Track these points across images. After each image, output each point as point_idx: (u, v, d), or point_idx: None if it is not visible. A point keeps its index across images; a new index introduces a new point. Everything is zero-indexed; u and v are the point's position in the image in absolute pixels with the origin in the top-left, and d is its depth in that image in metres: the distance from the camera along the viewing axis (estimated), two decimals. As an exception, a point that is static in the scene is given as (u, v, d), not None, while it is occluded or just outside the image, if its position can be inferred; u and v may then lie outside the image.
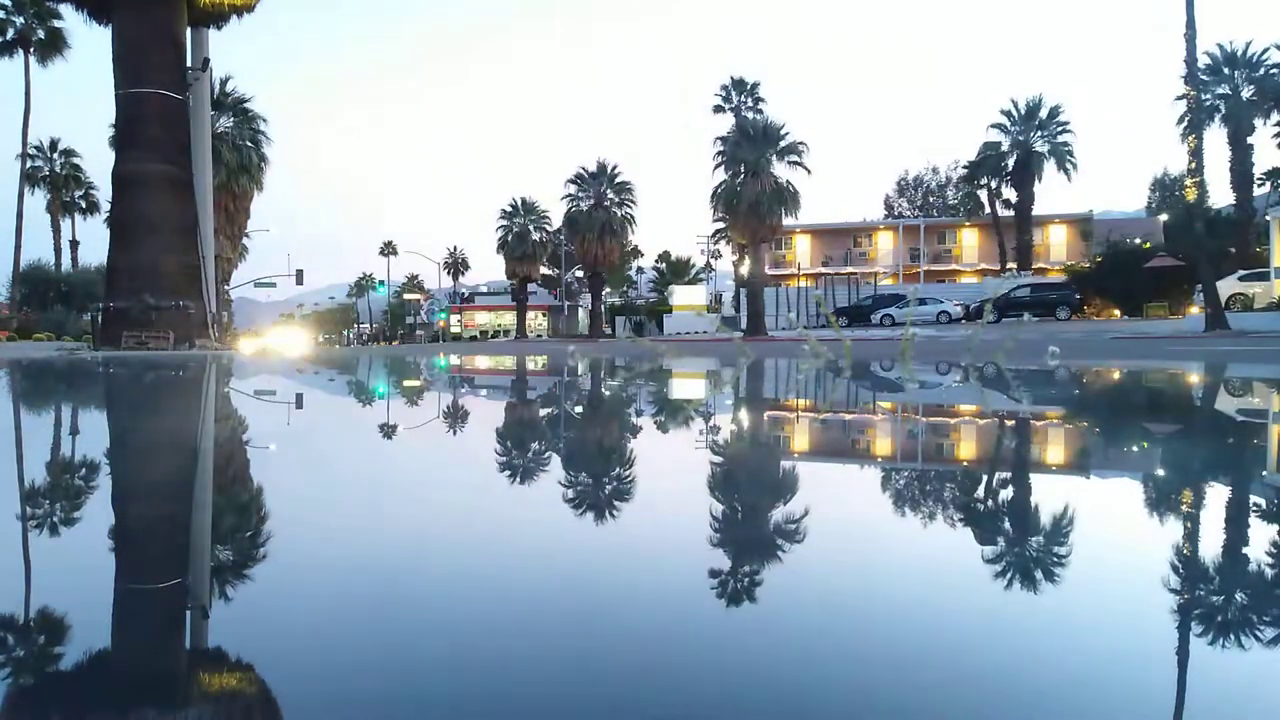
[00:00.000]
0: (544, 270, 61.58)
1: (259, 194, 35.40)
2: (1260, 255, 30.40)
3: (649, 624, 1.09)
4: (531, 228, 52.91)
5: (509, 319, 60.93)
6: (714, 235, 58.49)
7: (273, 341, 36.29)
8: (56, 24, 38.39)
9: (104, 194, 39.57)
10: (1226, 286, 25.96)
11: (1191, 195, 22.35)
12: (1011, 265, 42.25)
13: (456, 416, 4.68)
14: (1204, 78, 30.73)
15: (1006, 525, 1.74)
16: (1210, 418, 4.13)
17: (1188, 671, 0.94)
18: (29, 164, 43.76)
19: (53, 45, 38.78)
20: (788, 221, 38.99)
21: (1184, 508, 1.92)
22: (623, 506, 1.94)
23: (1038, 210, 43.58)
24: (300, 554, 1.50)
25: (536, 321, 64.59)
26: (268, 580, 1.32)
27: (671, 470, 2.55)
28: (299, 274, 57.80)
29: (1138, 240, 40.31)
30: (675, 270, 74.91)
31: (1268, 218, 28.68)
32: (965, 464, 2.71)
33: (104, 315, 24.74)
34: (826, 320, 10.36)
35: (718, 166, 37.85)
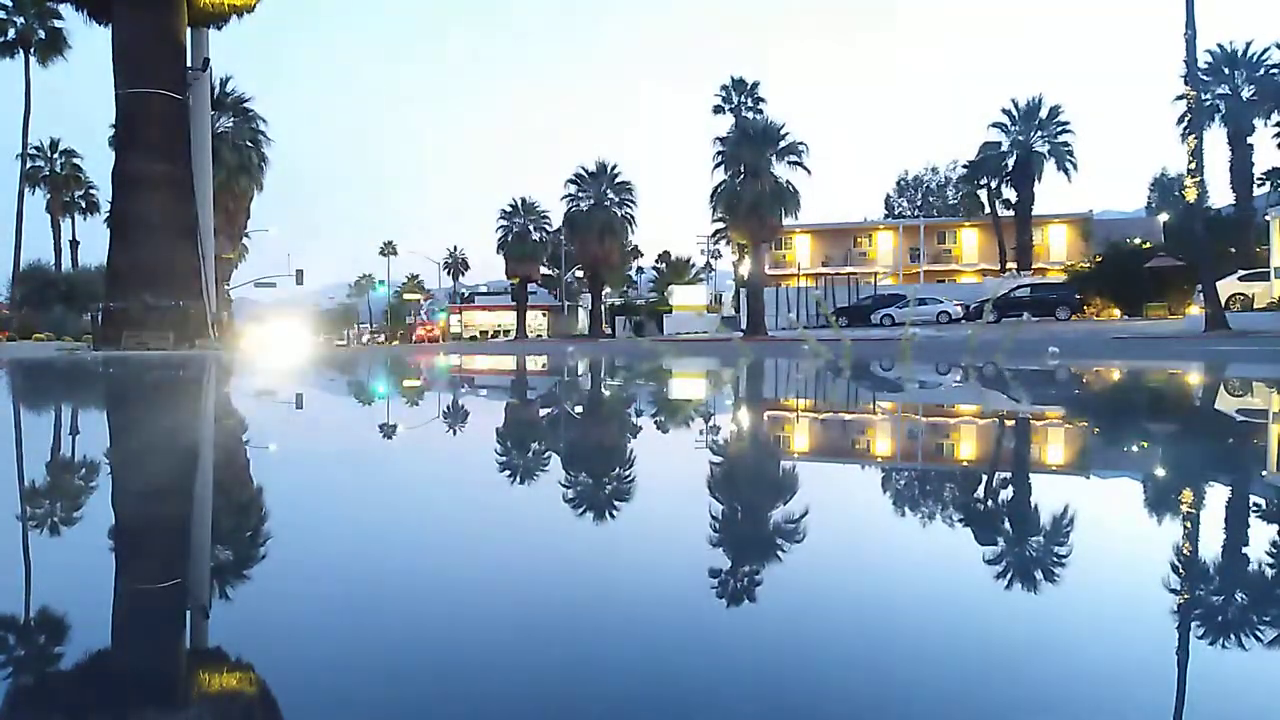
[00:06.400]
0: (544, 270, 61.52)
1: (259, 194, 35.36)
2: (1260, 255, 30.36)
3: (648, 623, 1.09)
4: (531, 228, 52.89)
5: (509, 319, 60.89)
6: (714, 235, 58.48)
7: (268, 340, 35.10)
8: (56, 24, 38.35)
9: (104, 194, 39.48)
10: (1226, 286, 25.90)
11: (1191, 195, 22.31)
12: (1011, 265, 42.23)
13: (457, 416, 4.67)
14: (1204, 78, 30.68)
15: (1005, 525, 1.74)
16: (1210, 418, 4.13)
17: (1187, 671, 0.94)
18: (29, 164, 43.74)
19: (53, 45, 38.73)
20: (788, 221, 38.94)
21: (1183, 508, 1.92)
22: (623, 506, 1.93)
23: (1038, 210, 43.54)
24: (299, 554, 1.49)
25: (536, 321, 64.51)
26: (266, 580, 1.32)
27: (671, 470, 2.55)
28: (299, 274, 57.64)
29: (1138, 240, 40.24)
30: (675, 270, 74.86)
31: (1268, 218, 28.64)
32: (965, 464, 2.71)
33: (104, 315, 24.73)
34: (826, 320, 10.36)
35: (717, 167, 37.81)
